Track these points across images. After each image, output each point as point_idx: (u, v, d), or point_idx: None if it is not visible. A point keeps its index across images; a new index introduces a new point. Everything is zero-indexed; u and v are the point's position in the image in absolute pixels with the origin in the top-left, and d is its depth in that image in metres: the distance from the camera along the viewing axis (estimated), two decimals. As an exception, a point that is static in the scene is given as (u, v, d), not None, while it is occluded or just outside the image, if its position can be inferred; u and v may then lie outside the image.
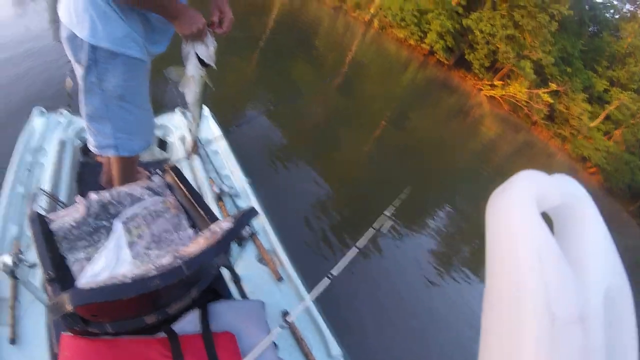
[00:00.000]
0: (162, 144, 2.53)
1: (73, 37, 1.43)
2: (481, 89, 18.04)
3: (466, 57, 18.64)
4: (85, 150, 2.43)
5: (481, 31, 17.70)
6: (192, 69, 1.48)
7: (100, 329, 1.04)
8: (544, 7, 17.18)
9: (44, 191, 1.88)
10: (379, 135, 6.39)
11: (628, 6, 23.11)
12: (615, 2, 23.65)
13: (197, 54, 1.44)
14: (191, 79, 1.50)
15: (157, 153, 2.52)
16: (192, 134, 1.82)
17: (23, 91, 4.42)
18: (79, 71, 1.49)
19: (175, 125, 2.63)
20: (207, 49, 1.44)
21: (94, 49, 1.42)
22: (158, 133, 2.54)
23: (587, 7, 21.90)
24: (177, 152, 2.49)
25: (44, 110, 2.64)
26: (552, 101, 17.93)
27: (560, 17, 17.47)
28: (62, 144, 2.38)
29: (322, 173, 4.40)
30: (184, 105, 2.41)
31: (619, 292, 0.30)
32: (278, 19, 14.47)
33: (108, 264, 1.18)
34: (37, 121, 2.55)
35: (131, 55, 1.47)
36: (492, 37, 17.70)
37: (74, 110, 2.56)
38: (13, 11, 8.44)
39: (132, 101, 1.58)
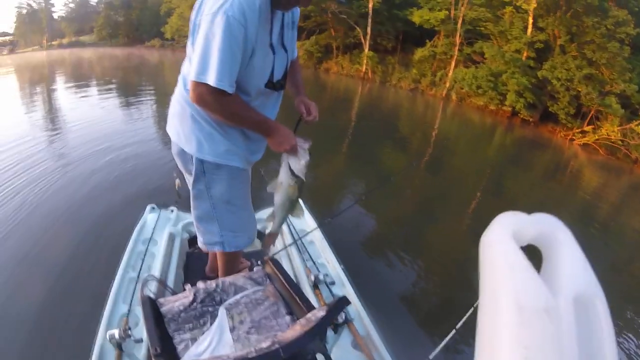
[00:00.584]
0: (262, 236, 2.70)
1: (183, 152, 1.66)
2: (572, 139, 16.78)
3: (550, 109, 17.81)
4: (191, 242, 2.65)
5: (558, 79, 16.92)
6: (283, 177, 1.62)
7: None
8: (611, 34, 16.22)
9: (154, 277, 2.04)
10: (475, 209, 6.17)
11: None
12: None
13: (289, 165, 1.59)
14: (280, 185, 1.64)
15: (258, 244, 2.70)
16: (272, 231, 1.88)
17: (139, 187, 5.17)
18: (189, 180, 1.72)
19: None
20: (298, 162, 1.58)
21: (201, 162, 1.64)
22: (259, 226, 2.70)
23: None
24: (277, 244, 2.62)
25: (155, 207, 2.96)
26: (648, 132, 16.06)
27: (630, 39, 16.31)
28: (171, 237, 2.60)
29: (417, 256, 4.34)
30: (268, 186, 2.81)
31: (592, 299, 0.36)
32: (360, 108, 15.33)
33: (211, 345, 1.29)
34: (150, 216, 2.85)
35: (233, 166, 1.67)
36: (570, 82, 16.80)
37: (182, 206, 2.91)
38: (126, 119, 9.98)
39: (236, 204, 1.76)
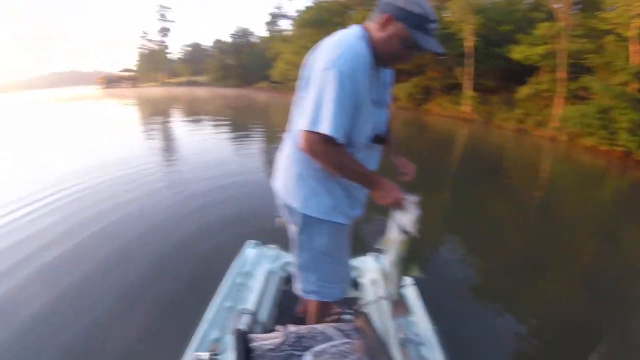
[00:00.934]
0: (355, 284, 2.74)
1: (288, 206, 1.75)
2: None
3: None
4: (287, 280, 2.67)
5: None
6: (392, 233, 1.62)
7: None
8: None
9: (248, 311, 2.14)
10: (588, 264, 5.75)
11: None
12: None
13: (397, 220, 1.59)
14: (390, 242, 1.64)
15: (350, 292, 2.66)
16: (390, 296, 1.88)
17: (242, 222, 5.60)
18: (293, 230, 1.79)
19: (368, 268, 2.86)
20: (405, 217, 1.56)
21: (305, 217, 1.72)
22: (352, 274, 2.75)
23: None
24: (368, 293, 2.66)
25: (256, 242, 3.08)
26: None
27: None
28: (269, 273, 2.69)
29: (521, 315, 4.06)
30: (378, 250, 2.76)
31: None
32: (463, 151, 15.08)
33: None
34: (250, 251, 2.95)
35: (336, 221, 1.76)
36: None
37: (282, 246, 2.95)
38: (236, 155, 11.11)
39: (335, 257, 1.84)
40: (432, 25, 1.47)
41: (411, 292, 2.56)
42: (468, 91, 23.99)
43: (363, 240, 4.06)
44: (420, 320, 2.36)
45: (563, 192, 10.52)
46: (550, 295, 4.79)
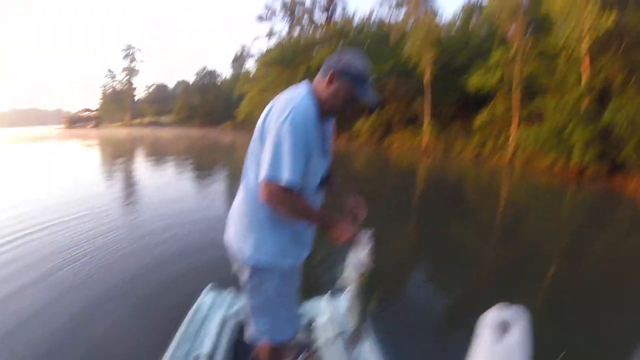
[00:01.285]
0: (309, 326, 2.76)
1: (239, 252, 1.83)
2: None
3: (617, 160, 16.78)
4: (242, 326, 2.67)
5: (622, 122, 15.73)
6: (350, 270, 1.73)
7: None
8: None
9: (204, 356, 2.21)
10: (554, 282, 5.74)
11: None
12: None
13: (354, 256, 1.69)
14: (349, 277, 1.74)
15: (304, 335, 2.68)
16: (355, 330, 1.91)
17: (204, 261, 5.38)
18: (245, 274, 1.84)
19: (322, 310, 2.92)
20: (360, 254, 1.67)
21: (255, 263, 1.79)
22: (307, 316, 2.82)
23: None
24: (322, 334, 2.66)
25: (214, 286, 3.19)
26: None
27: None
28: (224, 320, 2.75)
29: None
30: (332, 291, 3.02)
31: None
32: (424, 181, 15.40)
33: None
34: (208, 296, 3.05)
35: (285, 266, 1.82)
36: (634, 123, 15.85)
37: (239, 289, 2.79)
38: (197, 194, 11.01)
39: (286, 299, 1.90)
40: (369, 80, 1.69)
41: (368, 324, 2.45)
42: (427, 123, 24.69)
43: (318, 281, 3.94)
44: (372, 353, 2.36)
45: (523, 214, 10.71)
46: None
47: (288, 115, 1.57)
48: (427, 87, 24.57)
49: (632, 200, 14.05)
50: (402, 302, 4.67)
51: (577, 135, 16.34)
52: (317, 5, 35.76)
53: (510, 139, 19.66)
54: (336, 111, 1.74)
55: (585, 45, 16.99)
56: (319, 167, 1.77)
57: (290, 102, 1.63)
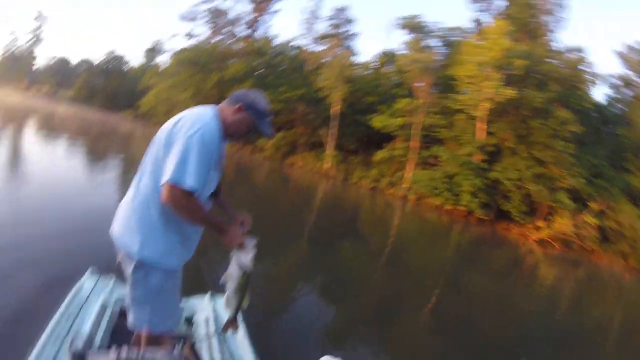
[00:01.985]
0: (189, 321, 2.91)
1: (125, 247, 1.88)
2: (528, 235, 17.62)
3: (503, 208, 18.87)
4: (122, 313, 2.70)
5: (509, 179, 18.16)
6: (233, 269, 1.90)
7: None
8: (556, 133, 18.02)
9: (83, 337, 2.10)
10: (433, 308, 6.11)
11: (628, 92, 23.14)
12: (616, 95, 23.75)
13: (238, 259, 1.88)
14: (231, 277, 1.91)
15: (184, 328, 2.81)
16: (229, 318, 2.08)
17: (87, 248, 4.89)
18: (129, 266, 1.89)
19: (202, 307, 3.04)
20: (246, 257, 1.87)
21: (140, 259, 1.86)
22: (188, 311, 2.95)
23: (594, 114, 22.14)
24: (200, 330, 2.79)
25: (96, 272, 3.11)
26: (599, 222, 16.96)
27: (573, 136, 18.12)
28: (105, 303, 2.74)
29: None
30: (212, 290, 3.17)
31: None
32: (322, 204, 15.58)
33: None
34: (89, 280, 3.01)
35: (169, 265, 1.92)
36: (520, 181, 18.03)
37: (120, 277, 2.80)
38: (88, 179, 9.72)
39: (167, 295, 1.98)
40: (269, 117, 2.00)
41: (243, 332, 2.76)
42: (330, 150, 25.75)
43: (201, 280, 4.02)
44: (242, 343, 2.64)
45: (412, 245, 11.19)
46: (397, 341, 4.85)
47: (198, 130, 1.75)
48: (335, 119, 25.76)
49: (515, 244, 15.42)
50: (275, 303, 4.82)
51: (466, 185, 18.15)
52: (242, 20, 35.34)
53: (405, 177, 21.07)
54: (237, 136, 1.99)
55: (483, 110, 19.31)
56: (213, 180, 1.95)
57: (200, 119, 1.82)
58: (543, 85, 19.34)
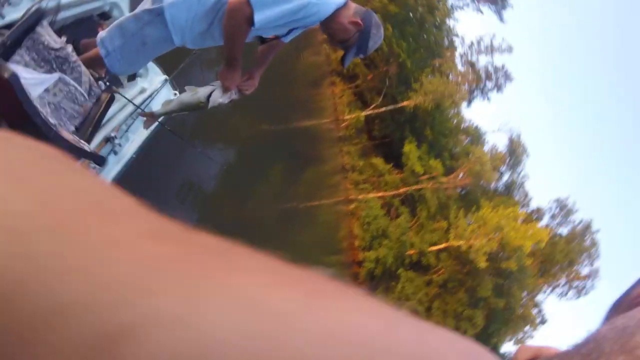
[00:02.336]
0: (132, 78, 3.01)
1: None
2: None
3: None
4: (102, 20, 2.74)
5: None
6: (202, 92, 1.96)
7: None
8: None
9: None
10: None
11: None
12: None
13: (214, 91, 1.94)
14: (195, 94, 1.97)
15: (124, 79, 2.92)
16: (158, 112, 2.19)
17: None
18: (147, 4, 2.00)
19: (151, 79, 3.11)
20: (220, 96, 1.93)
21: (160, 9, 1.93)
22: (140, 72, 3.01)
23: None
24: (131, 89, 2.93)
25: None
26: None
27: None
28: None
29: None
30: (172, 81, 3.21)
31: None
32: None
33: (30, 80, 1.47)
34: None
35: (173, 32, 1.98)
36: None
37: None
38: None
39: (144, 49, 2.05)
40: (362, 55, 2.00)
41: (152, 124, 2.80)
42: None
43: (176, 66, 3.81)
44: (134, 143, 2.79)
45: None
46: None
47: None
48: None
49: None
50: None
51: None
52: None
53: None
54: (330, 36, 1.98)
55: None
56: (273, 32, 1.99)
57: None
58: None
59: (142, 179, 4.51)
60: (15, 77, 1.15)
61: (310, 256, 13.48)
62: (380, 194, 23.25)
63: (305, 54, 21.21)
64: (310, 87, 21.65)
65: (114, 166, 2.53)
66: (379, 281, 19.64)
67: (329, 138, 23.38)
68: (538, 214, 28.86)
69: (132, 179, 4.00)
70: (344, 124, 24.89)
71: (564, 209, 28.35)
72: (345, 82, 27.43)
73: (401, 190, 23.94)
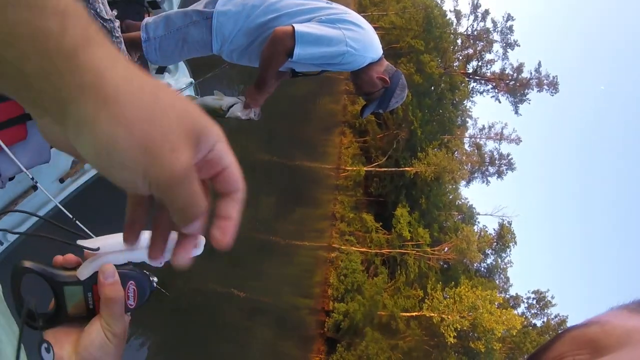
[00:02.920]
0: (160, 71, 3.12)
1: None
2: None
3: None
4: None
5: None
6: (228, 101, 2.12)
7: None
8: None
9: None
10: None
11: None
12: None
13: (238, 104, 2.09)
14: (221, 99, 2.14)
15: (153, 70, 2.99)
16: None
17: None
18: (200, 5, 2.10)
19: (178, 79, 3.27)
20: (241, 111, 2.08)
21: (210, 14, 2.03)
22: (169, 68, 3.18)
23: None
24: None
25: None
26: None
27: None
28: None
29: None
30: (199, 87, 3.34)
31: None
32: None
33: None
34: None
35: (215, 38, 2.07)
36: None
37: None
38: None
39: (182, 46, 2.13)
40: (381, 111, 2.14)
41: None
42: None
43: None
44: None
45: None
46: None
47: (355, 27, 1.90)
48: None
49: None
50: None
51: None
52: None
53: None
54: (356, 85, 2.11)
55: None
56: (306, 67, 2.10)
57: (369, 28, 1.98)
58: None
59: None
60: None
61: (280, 293, 13.44)
62: (363, 249, 23.38)
63: (324, 99, 22.03)
64: (321, 131, 22.25)
65: None
66: (344, 335, 19.33)
67: (327, 184, 23.76)
68: (515, 301, 28.71)
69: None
70: (344, 174, 25.38)
71: (541, 301, 28.21)
72: (355, 135, 28.31)
73: (384, 251, 24.06)
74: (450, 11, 33.34)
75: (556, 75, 32.97)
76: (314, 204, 20.07)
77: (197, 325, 7.28)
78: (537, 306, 28.52)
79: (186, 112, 0.30)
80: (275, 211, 12.00)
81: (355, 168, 25.21)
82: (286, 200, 13.64)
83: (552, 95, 34.01)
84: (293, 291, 15.85)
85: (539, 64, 33.22)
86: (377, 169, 26.86)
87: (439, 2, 32.84)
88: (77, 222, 1.78)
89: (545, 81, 32.95)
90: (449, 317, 19.88)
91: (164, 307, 5.81)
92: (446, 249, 25.87)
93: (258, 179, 9.81)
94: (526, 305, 29.05)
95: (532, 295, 28.96)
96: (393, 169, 26.90)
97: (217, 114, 2.08)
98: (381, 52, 2.05)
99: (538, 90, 33.49)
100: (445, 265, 26.94)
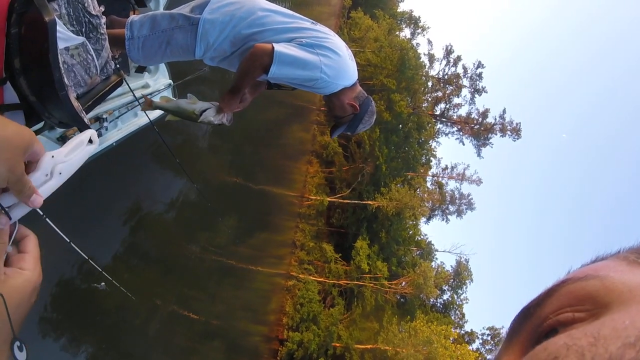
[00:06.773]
0: (141, 70, 3.12)
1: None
2: None
3: None
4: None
5: None
6: (201, 105, 2.09)
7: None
8: None
9: None
10: None
11: None
12: None
13: (211, 109, 2.08)
14: (195, 104, 2.09)
15: (133, 68, 3.06)
16: (157, 104, 2.28)
17: None
18: (186, 10, 2.13)
19: (156, 78, 3.26)
20: (214, 116, 2.07)
21: (197, 20, 2.06)
22: (150, 68, 3.19)
23: None
24: (135, 82, 3.08)
25: None
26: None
27: None
28: None
29: None
30: (178, 89, 3.39)
31: None
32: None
33: (61, 30, 1.40)
34: None
35: (198, 44, 2.10)
36: None
37: None
38: None
39: (166, 49, 2.15)
40: (350, 134, 2.24)
41: (143, 120, 3.01)
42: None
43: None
44: (121, 132, 2.88)
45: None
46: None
47: (332, 54, 1.97)
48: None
49: None
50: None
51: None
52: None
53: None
54: (328, 107, 2.22)
55: None
56: (282, 81, 2.14)
57: (346, 55, 2.04)
58: None
59: (105, 173, 4.64)
60: (54, 23, 1.13)
61: (233, 318, 13.17)
62: (321, 279, 23.32)
63: (295, 127, 22.28)
64: (288, 158, 22.42)
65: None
66: (297, 365, 19.00)
67: (289, 211, 23.79)
68: (470, 337, 29.09)
69: (98, 166, 4.06)
70: (307, 202, 25.51)
71: (496, 337, 28.66)
72: (321, 164, 28.66)
73: (342, 282, 24.06)
74: (425, 54, 35.09)
75: (519, 122, 34.80)
76: (275, 230, 19.99)
77: (143, 344, 7.04)
78: (492, 342, 28.98)
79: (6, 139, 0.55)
80: (234, 234, 11.89)
81: (319, 197, 25.47)
82: (247, 223, 13.56)
83: (514, 141, 35.69)
84: (248, 317, 15.57)
85: (504, 111, 35.19)
86: (341, 200, 27.17)
87: (415, 45, 34.50)
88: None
89: (508, 127, 34.66)
90: (404, 350, 19.88)
91: (108, 321, 5.64)
92: (403, 283, 26.13)
93: (219, 199, 9.74)
94: (481, 341, 29.51)
95: (487, 332, 29.49)
96: (356, 201, 27.27)
97: (190, 117, 2.09)
98: (355, 77, 2.14)
99: (501, 135, 35.16)
100: (402, 299, 27.16)
